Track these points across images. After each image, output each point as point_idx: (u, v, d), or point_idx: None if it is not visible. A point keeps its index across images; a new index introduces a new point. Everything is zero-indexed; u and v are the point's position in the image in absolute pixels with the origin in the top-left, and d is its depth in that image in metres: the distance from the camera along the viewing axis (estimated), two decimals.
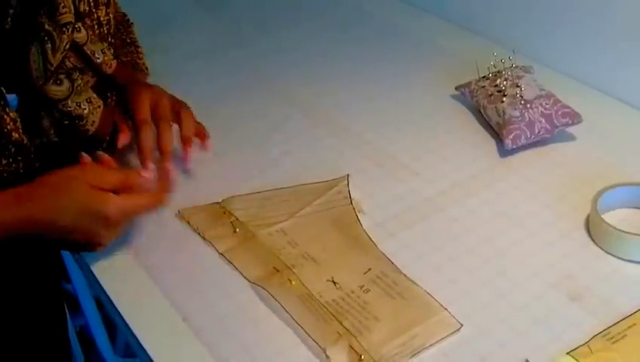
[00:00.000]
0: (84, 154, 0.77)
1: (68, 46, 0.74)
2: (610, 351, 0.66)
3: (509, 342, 0.69)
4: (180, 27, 1.15)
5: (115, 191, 0.73)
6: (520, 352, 0.68)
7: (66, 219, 0.68)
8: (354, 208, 0.84)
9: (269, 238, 0.81)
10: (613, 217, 0.79)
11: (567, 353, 0.66)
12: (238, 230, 0.82)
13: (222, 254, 0.80)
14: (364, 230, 0.81)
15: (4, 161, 0.71)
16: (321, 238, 0.81)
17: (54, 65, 0.73)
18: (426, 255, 0.79)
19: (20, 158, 0.72)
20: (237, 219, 0.84)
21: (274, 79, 1.14)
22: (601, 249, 0.78)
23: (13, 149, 0.71)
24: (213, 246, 0.81)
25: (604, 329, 0.68)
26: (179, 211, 0.86)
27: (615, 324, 0.69)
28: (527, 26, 1.14)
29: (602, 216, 0.78)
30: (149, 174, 0.78)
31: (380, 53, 1.19)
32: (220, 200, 0.87)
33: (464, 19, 1.25)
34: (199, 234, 0.82)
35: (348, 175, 0.88)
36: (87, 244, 0.72)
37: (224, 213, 0.85)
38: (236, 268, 0.78)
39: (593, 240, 0.79)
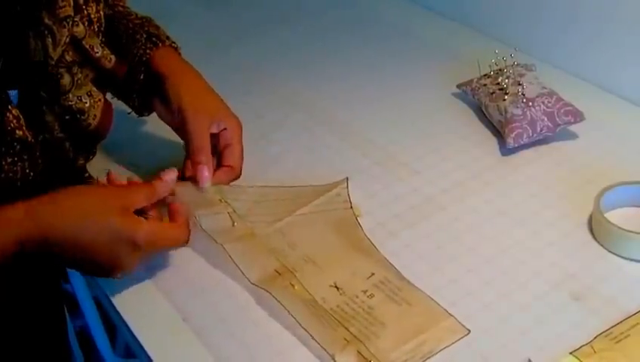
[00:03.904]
0: (110, 171, 0.77)
1: (68, 40, 0.73)
2: (613, 350, 0.66)
3: (511, 341, 0.68)
4: (179, 25, 1.13)
5: (145, 210, 0.73)
6: (522, 352, 0.67)
7: (86, 239, 0.68)
8: (354, 213, 0.83)
9: (268, 240, 0.80)
10: (616, 216, 0.79)
11: (570, 353, 0.66)
12: (236, 224, 0.80)
13: (221, 244, 0.78)
14: (366, 235, 0.80)
15: (9, 160, 0.69)
16: (320, 241, 0.80)
17: (54, 60, 0.72)
18: (427, 254, 0.79)
19: (25, 157, 0.71)
20: (234, 211, 0.82)
21: (274, 78, 1.13)
22: (604, 248, 0.78)
23: (18, 147, 0.70)
24: (210, 236, 0.79)
25: (607, 329, 0.68)
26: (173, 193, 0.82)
27: (618, 324, 0.68)
28: (528, 23, 1.14)
29: (605, 215, 0.77)
30: (168, 176, 0.77)
31: (381, 52, 1.19)
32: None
33: (465, 17, 1.24)
34: (196, 221, 0.80)
35: (347, 178, 0.87)
36: (109, 268, 0.71)
37: (220, 200, 0.82)
38: (237, 267, 0.77)
39: (596, 239, 0.79)
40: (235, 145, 0.84)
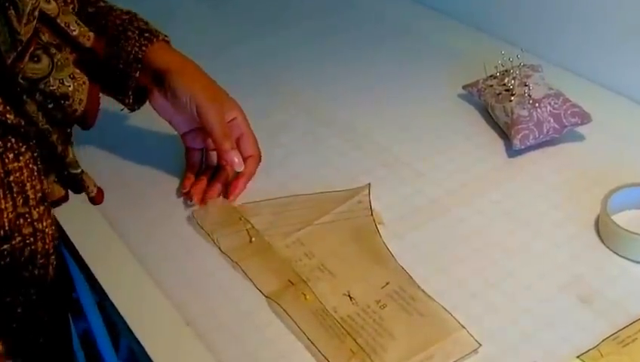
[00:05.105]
0: None
1: (36, 14, 0.68)
2: (620, 354, 0.65)
3: (517, 344, 0.68)
4: (182, 24, 1.14)
5: None
6: (529, 355, 0.67)
7: None
8: (374, 219, 0.82)
9: (286, 250, 0.79)
10: (624, 218, 0.78)
11: (577, 356, 0.65)
12: (254, 239, 0.80)
13: (236, 263, 0.78)
14: (384, 242, 0.79)
15: (10, 156, 0.65)
16: (338, 249, 0.79)
17: (23, 36, 0.67)
18: (432, 256, 0.78)
19: (23, 149, 0.66)
20: (253, 226, 0.82)
21: (279, 78, 1.13)
22: (611, 250, 0.77)
23: (13, 140, 0.65)
24: (228, 256, 0.80)
25: (615, 333, 0.67)
26: (192, 214, 0.85)
27: (625, 327, 0.68)
28: (535, 24, 1.14)
29: (612, 217, 0.77)
30: None
31: (386, 52, 1.19)
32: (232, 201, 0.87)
33: (472, 18, 1.24)
34: (215, 243, 0.81)
35: (369, 184, 0.87)
36: None
37: (240, 218, 0.83)
38: (248, 278, 0.77)
39: (603, 242, 0.78)
40: (248, 134, 0.88)
